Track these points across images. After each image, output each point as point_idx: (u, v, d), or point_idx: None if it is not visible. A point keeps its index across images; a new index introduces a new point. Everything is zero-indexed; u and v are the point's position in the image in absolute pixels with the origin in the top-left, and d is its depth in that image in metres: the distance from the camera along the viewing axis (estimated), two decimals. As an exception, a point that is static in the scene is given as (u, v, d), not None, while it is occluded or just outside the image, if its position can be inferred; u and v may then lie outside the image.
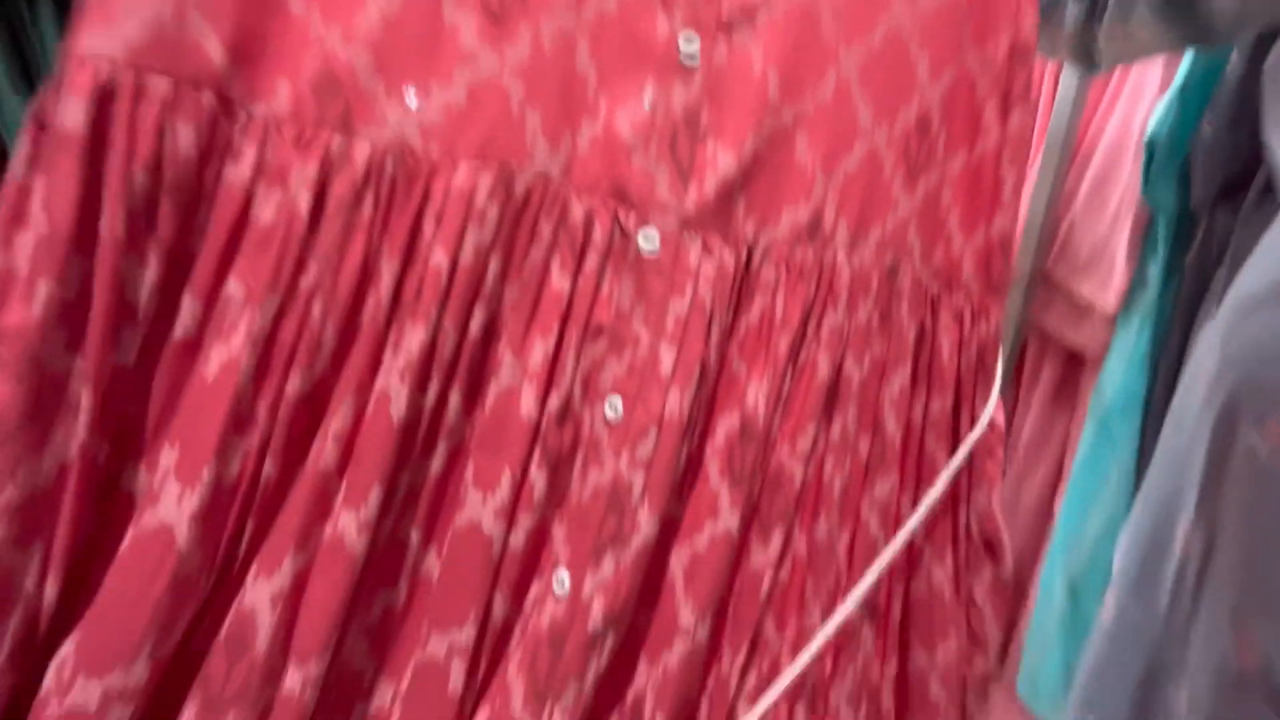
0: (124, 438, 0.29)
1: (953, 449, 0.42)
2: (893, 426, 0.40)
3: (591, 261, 0.34)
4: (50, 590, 0.28)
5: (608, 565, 0.34)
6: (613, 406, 0.35)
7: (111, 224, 0.27)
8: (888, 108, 0.38)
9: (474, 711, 0.34)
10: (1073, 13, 0.47)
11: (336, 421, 0.30)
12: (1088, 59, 0.50)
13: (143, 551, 0.27)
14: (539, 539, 0.35)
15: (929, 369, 0.41)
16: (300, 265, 0.29)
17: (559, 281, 0.34)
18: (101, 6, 0.27)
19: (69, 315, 0.28)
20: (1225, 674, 0.35)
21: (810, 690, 0.42)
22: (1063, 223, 0.81)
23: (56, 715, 0.26)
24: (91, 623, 0.27)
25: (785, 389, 0.38)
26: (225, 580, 0.30)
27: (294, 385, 0.29)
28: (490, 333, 0.33)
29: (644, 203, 0.35)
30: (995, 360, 0.42)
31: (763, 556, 0.39)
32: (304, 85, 0.30)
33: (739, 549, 0.39)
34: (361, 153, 0.30)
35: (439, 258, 0.31)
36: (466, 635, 0.32)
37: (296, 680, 0.29)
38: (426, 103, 0.31)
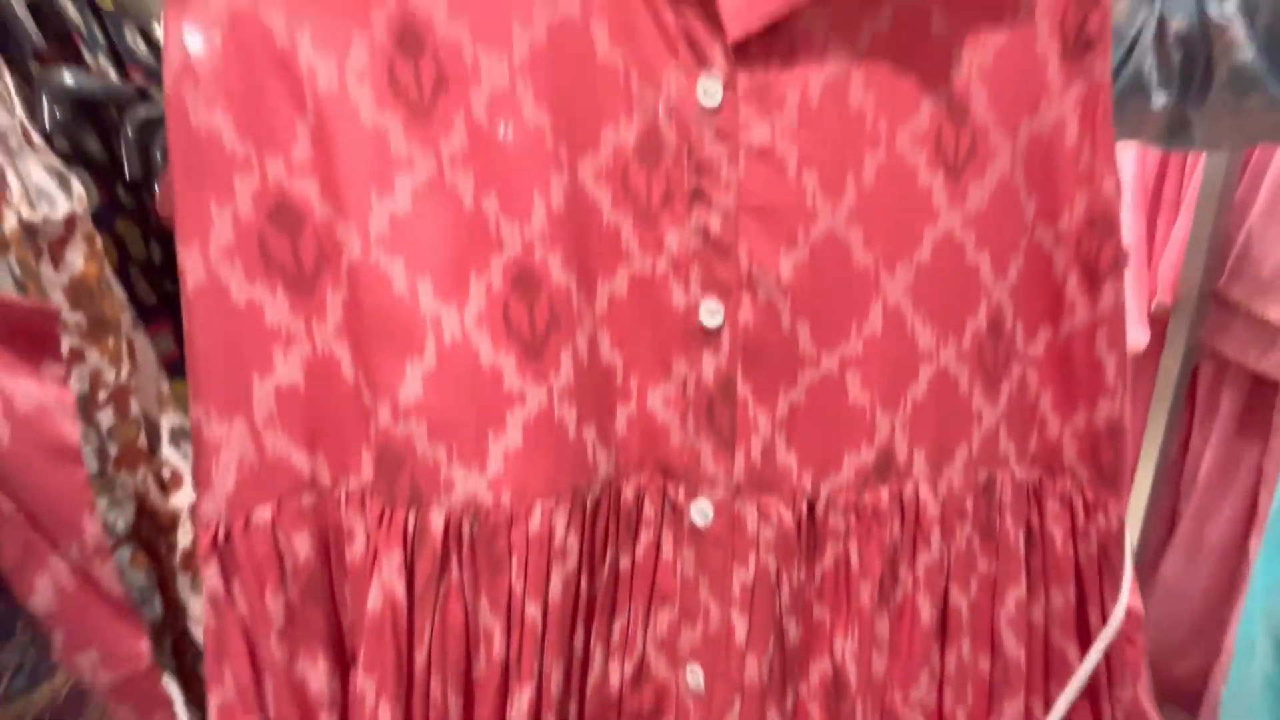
0: None
1: (1081, 642, 0.39)
2: (1013, 644, 0.37)
3: (645, 537, 0.36)
4: None
5: None
6: (694, 674, 0.36)
7: (270, 650, 0.32)
8: (952, 322, 0.35)
9: None
10: (1159, 100, 0.41)
11: None
12: (1176, 140, 0.44)
13: None
14: None
15: (1044, 566, 0.38)
16: (411, 645, 0.32)
17: (621, 562, 0.36)
18: (204, 475, 0.31)
19: None
20: None
21: None
22: (1237, 236, 0.69)
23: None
24: None
25: (881, 636, 0.36)
26: None
27: None
28: (587, 647, 0.35)
29: (691, 477, 0.35)
30: (1122, 555, 0.37)
31: None
32: (372, 462, 0.32)
33: None
34: (437, 523, 0.31)
35: (532, 612, 0.32)
36: None
37: None
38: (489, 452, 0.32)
